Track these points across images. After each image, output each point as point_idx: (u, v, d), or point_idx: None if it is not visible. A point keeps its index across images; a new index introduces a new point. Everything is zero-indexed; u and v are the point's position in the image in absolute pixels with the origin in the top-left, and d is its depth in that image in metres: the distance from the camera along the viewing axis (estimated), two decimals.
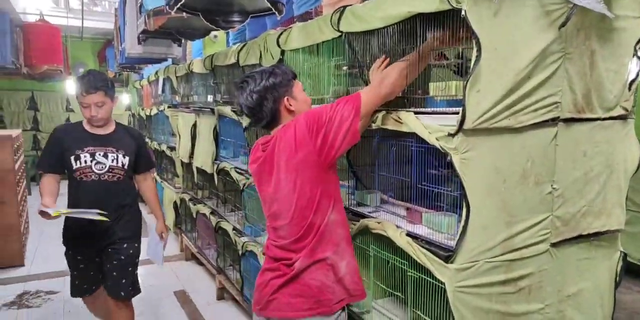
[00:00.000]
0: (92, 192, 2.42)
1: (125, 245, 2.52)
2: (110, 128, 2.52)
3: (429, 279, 1.56)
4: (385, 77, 1.60)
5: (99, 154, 2.41)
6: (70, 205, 2.45)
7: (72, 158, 2.37)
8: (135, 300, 3.97)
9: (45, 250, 4.97)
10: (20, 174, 4.87)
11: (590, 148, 1.66)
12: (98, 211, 2.23)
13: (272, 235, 1.67)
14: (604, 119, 1.67)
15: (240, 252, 3.13)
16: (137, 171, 2.64)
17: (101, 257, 2.52)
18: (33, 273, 4.33)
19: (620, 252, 1.81)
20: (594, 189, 1.69)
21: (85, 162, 2.38)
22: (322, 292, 1.55)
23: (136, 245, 2.60)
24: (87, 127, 2.47)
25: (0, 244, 4.35)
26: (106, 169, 2.42)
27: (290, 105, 1.63)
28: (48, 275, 4.25)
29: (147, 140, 6.42)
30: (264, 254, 1.70)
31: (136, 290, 2.61)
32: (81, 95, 2.34)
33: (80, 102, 2.37)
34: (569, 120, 1.59)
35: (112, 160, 2.43)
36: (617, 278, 1.80)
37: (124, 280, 2.51)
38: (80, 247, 2.50)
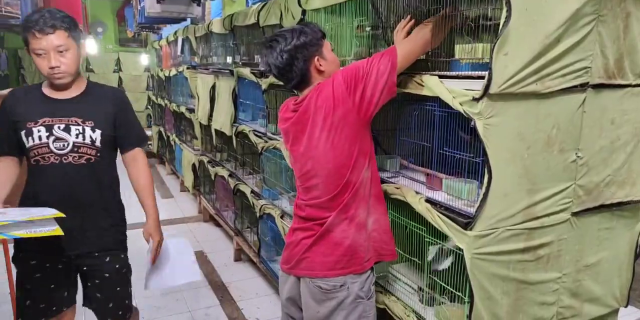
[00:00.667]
0: (52, 182, 1.75)
1: (108, 259, 1.87)
2: (78, 89, 1.81)
3: (446, 245, 1.56)
4: (419, 32, 1.56)
5: (58, 127, 1.72)
6: (22, 201, 1.82)
7: (23, 133, 1.72)
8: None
9: None
10: None
11: (619, 116, 1.61)
12: (54, 213, 1.51)
13: (303, 195, 1.66)
14: (635, 85, 1.60)
15: (257, 215, 3.18)
16: (121, 149, 1.93)
17: (69, 266, 1.84)
18: None
19: None
20: (619, 158, 1.64)
21: (40, 138, 1.71)
22: (355, 250, 1.56)
23: (123, 256, 1.96)
24: (46, 90, 1.79)
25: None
26: (69, 147, 1.74)
27: (320, 65, 1.60)
28: None
29: (164, 102, 6.44)
30: (295, 214, 1.70)
31: (128, 310, 1.98)
32: (33, 37, 1.64)
33: (33, 50, 1.67)
34: (599, 86, 1.53)
35: (77, 135, 1.74)
36: (638, 249, 1.78)
37: (110, 304, 1.89)
38: (36, 247, 1.76)
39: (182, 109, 5.35)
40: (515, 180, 1.44)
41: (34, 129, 1.72)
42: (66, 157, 1.75)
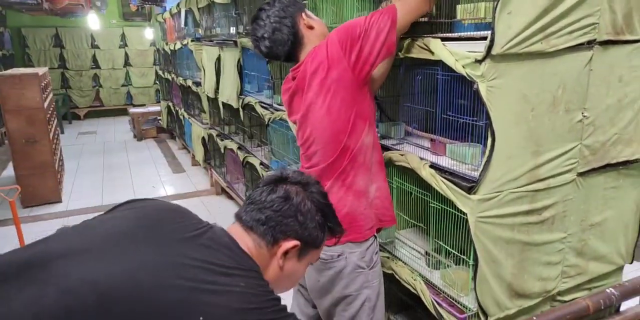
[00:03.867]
0: None
1: None
2: None
3: (451, 210, 1.57)
4: None
5: None
6: None
7: None
8: None
9: (80, 187, 5.21)
10: (50, 112, 4.99)
11: (627, 73, 1.57)
12: None
13: (305, 163, 1.65)
14: None
15: None
16: None
17: None
18: (71, 208, 4.57)
19: None
20: (626, 116, 1.61)
21: None
22: (353, 218, 1.54)
23: None
24: None
25: (37, 182, 4.57)
26: None
27: (308, 22, 1.57)
28: (85, 210, 4.47)
29: (171, 76, 6.41)
30: None
31: None
32: None
33: None
34: (606, 43, 1.48)
35: None
36: None
37: None
38: None
39: (189, 82, 5.34)
40: (520, 143, 1.43)
41: None
42: None
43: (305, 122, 1.58)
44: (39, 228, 3.99)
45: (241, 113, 3.68)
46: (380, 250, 1.95)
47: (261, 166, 3.35)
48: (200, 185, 5.21)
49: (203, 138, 5.03)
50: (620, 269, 1.85)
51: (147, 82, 10.10)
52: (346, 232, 1.51)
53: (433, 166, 1.61)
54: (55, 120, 5.59)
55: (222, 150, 4.33)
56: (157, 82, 9.61)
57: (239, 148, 3.87)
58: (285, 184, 1.00)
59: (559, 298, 1.69)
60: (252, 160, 3.53)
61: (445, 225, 1.61)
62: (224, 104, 4.11)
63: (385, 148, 1.87)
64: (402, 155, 1.75)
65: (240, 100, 3.58)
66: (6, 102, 4.32)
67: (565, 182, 1.54)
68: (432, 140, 1.80)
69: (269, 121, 3.06)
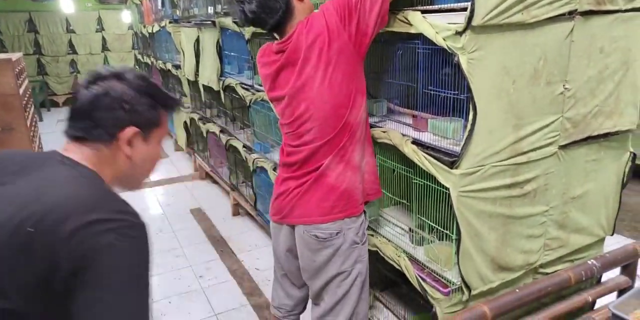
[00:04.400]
0: None
1: None
2: None
3: (433, 185, 1.56)
4: None
5: None
6: None
7: None
8: (153, 218, 4.15)
9: None
10: (26, 99, 4.86)
11: (608, 44, 1.56)
12: None
13: (292, 141, 1.57)
14: (626, 10, 1.54)
15: (251, 169, 3.18)
16: None
17: None
18: None
19: (630, 152, 1.77)
20: (607, 88, 1.61)
21: None
22: (351, 193, 1.53)
23: None
24: None
25: None
26: None
27: None
28: None
29: (150, 60, 6.27)
30: (282, 162, 1.63)
31: None
32: None
33: None
34: (587, 13, 1.47)
35: None
36: (625, 179, 1.78)
37: None
38: None
39: (169, 66, 5.23)
40: (501, 116, 1.42)
41: None
42: None
43: (299, 97, 1.50)
44: None
45: (222, 95, 3.62)
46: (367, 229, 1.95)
47: (244, 149, 3.31)
48: (184, 170, 5.16)
49: (185, 122, 4.96)
50: (601, 240, 1.87)
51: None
52: (345, 209, 1.52)
53: (415, 142, 1.59)
54: (32, 108, 5.45)
55: (205, 134, 4.27)
56: (137, 66, 9.41)
57: (221, 131, 3.82)
58: (100, 81, 0.96)
59: (541, 270, 1.71)
60: (234, 143, 3.48)
61: (428, 201, 1.61)
62: (204, 87, 4.04)
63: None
64: (384, 132, 1.73)
65: (221, 82, 3.51)
66: None
67: (547, 155, 1.54)
68: (414, 116, 1.78)
69: (250, 102, 3.01)
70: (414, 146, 1.57)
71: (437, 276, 1.58)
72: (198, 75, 4.05)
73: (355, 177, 1.54)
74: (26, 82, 5.22)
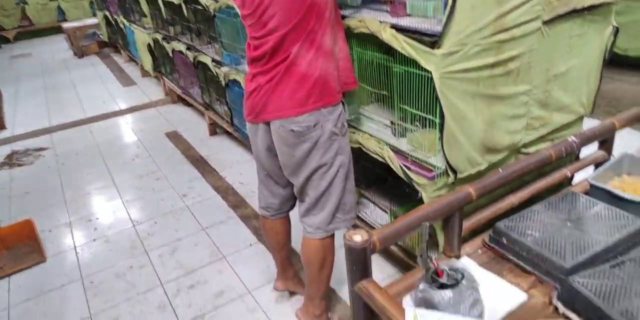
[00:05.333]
0: None
1: None
2: None
3: (415, 70, 1.50)
4: None
5: None
6: None
7: None
8: (127, 145, 4.06)
9: (24, 111, 4.90)
10: None
11: None
12: None
13: (257, 33, 1.46)
14: None
15: (223, 83, 3.06)
16: None
17: None
18: (17, 133, 4.31)
19: (613, 26, 1.72)
20: None
21: None
22: (326, 80, 1.44)
23: None
24: None
25: None
26: None
27: None
28: (34, 133, 4.25)
29: None
30: (249, 57, 1.52)
31: None
32: None
33: None
34: None
35: None
36: (606, 54, 1.76)
37: None
38: None
39: None
40: None
41: None
42: None
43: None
44: None
45: (184, 8, 3.39)
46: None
47: (213, 63, 3.16)
48: (154, 95, 4.98)
49: (149, 44, 4.69)
50: (580, 119, 1.88)
51: None
52: (320, 97, 1.44)
53: (394, 27, 1.51)
54: None
55: (171, 54, 4.06)
56: None
57: (187, 48, 3.63)
58: None
59: (523, 150, 1.73)
60: (203, 59, 3.32)
61: (410, 88, 1.56)
62: (164, 2, 3.77)
63: (343, 17, 1.75)
64: (360, 21, 1.63)
65: None
66: None
67: (531, 31, 1.48)
68: (391, 2, 1.68)
69: (214, 11, 2.83)
70: (393, 30, 1.49)
71: (421, 162, 1.57)
72: None
73: (328, 62, 1.45)
74: None
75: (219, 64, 3.11)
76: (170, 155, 3.54)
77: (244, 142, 3.24)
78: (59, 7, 9.09)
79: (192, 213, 2.75)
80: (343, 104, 1.55)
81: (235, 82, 2.90)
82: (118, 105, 4.80)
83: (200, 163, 3.36)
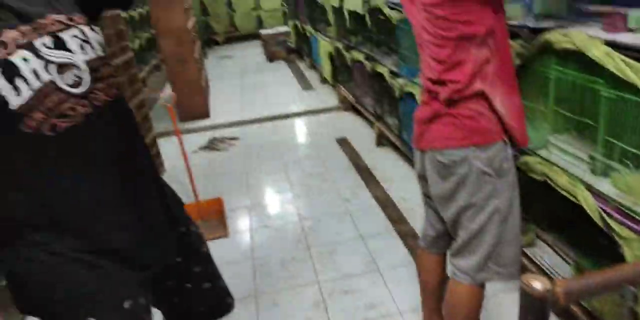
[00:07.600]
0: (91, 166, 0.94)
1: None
2: None
3: (632, 97, 1.22)
4: None
5: (45, 44, 0.85)
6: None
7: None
8: (300, 145, 4.26)
9: (225, 105, 5.54)
10: (194, 34, 5.21)
11: None
12: None
13: (428, 66, 1.38)
14: None
15: (397, 95, 2.98)
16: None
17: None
18: (217, 123, 4.90)
19: None
20: None
21: (37, 74, 0.83)
22: (477, 121, 1.29)
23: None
24: None
25: (188, 98, 4.89)
26: (87, 74, 0.90)
27: None
28: (230, 124, 4.79)
29: None
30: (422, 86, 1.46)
31: None
32: None
33: None
34: None
35: (82, 46, 0.90)
36: None
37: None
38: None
39: None
40: None
41: (15, 58, 0.80)
42: (94, 98, 0.91)
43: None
44: (193, 139, 4.37)
45: (367, 18, 3.40)
46: (531, 155, 1.67)
47: (390, 75, 3.11)
48: (329, 102, 5.16)
49: (330, 53, 4.87)
50: None
51: (275, 4, 10.12)
52: (469, 136, 1.29)
53: (608, 43, 1.25)
54: (199, 43, 5.85)
55: (349, 63, 4.14)
56: (284, 3, 9.53)
57: (366, 58, 3.64)
58: None
59: None
60: (380, 69, 3.29)
61: (623, 118, 1.28)
62: (349, 12, 3.85)
63: (541, 30, 1.52)
64: (564, 35, 1.40)
65: (365, 5, 3.29)
66: (158, 24, 4.59)
67: None
68: (606, 14, 1.40)
69: (397, 22, 2.76)
70: (607, 47, 1.24)
71: (628, 211, 1.27)
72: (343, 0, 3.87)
73: (477, 104, 1.29)
74: (193, 19, 5.59)
75: (395, 75, 3.05)
76: (337, 160, 3.64)
77: (409, 156, 3.12)
78: (258, 16, 10.11)
79: (353, 219, 2.75)
80: (505, 142, 1.33)
81: (409, 95, 2.80)
82: (297, 107, 5.11)
83: (364, 173, 3.35)
